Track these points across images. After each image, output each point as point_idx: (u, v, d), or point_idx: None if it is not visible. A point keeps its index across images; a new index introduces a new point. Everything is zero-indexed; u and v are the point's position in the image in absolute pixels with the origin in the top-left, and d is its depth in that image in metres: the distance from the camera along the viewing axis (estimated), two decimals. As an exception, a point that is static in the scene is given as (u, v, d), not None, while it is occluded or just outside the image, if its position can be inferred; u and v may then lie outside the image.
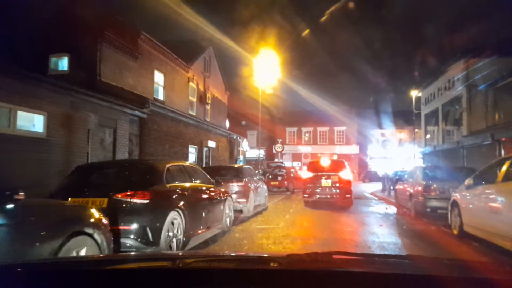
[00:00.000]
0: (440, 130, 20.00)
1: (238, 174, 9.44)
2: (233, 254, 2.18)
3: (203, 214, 5.49)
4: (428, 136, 23.02)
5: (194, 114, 19.70)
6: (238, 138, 23.16)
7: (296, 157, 43.96)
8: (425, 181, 8.09)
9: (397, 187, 11.10)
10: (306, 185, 12.70)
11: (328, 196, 12.24)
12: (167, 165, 4.99)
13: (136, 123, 11.31)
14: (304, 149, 43.87)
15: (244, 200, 9.04)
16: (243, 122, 40.81)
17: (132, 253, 3.41)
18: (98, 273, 1.34)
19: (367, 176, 38.89)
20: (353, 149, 42.53)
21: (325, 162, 13.24)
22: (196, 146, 16.37)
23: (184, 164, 5.68)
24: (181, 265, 1.44)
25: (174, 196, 4.75)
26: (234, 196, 8.86)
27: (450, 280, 1.20)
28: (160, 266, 1.46)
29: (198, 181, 5.78)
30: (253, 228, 7.35)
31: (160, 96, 16.24)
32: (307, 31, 27.43)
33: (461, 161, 16.49)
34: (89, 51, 11.78)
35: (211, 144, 17.91)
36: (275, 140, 39.19)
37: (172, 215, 4.56)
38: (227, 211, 6.77)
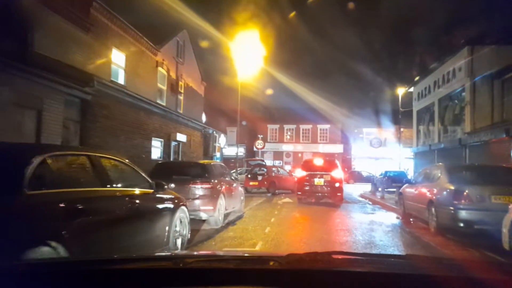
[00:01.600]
0: (436, 127, 18.27)
1: (203, 173, 7.14)
2: (233, 254, 2.00)
3: (120, 238, 3.18)
4: (421, 134, 21.31)
5: (164, 104, 17.26)
6: (214, 132, 20.83)
7: (277, 155, 41.90)
8: (454, 184, 6.01)
9: (403, 190, 9.04)
10: (300, 183, 13.45)
11: (320, 194, 12.93)
12: (38, 157, 2.57)
13: (77, 106, 8.87)
14: (286, 147, 41.86)
15: (211, 208, 6.77)
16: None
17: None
18: (98, 274, 1.32)
19: (352, 176, 37.20)
20: (337, 148, 40.81)
21: (318, 161, 13.96)
22: (161, 140, 13.96)
23: (92, 154, 3.21)
24: (182, 265, 1.42)
25: (52, 214, 2.44)
26: (196, 202, 6.60)
27: (449, 280, 1.20)
28: (160, 266, 1.46)
29: (120, 184, 3.47)
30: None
31: (120, 80, 13.70)
32: (292, 14, 25.34)
33: (463, 161, 14.74)
34: (20, 14, 9.23)
35: (181, 137, 15.52)
36: (256, 138, 37.01)
37: (44, 249, 2.26)
38: (176, 228, 4.48)
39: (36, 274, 1.32)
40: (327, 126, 41.31)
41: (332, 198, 12.65)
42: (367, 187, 26.16)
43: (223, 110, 39.12)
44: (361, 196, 18.03)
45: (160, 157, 13.65)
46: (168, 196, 4.48)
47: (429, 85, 19.33)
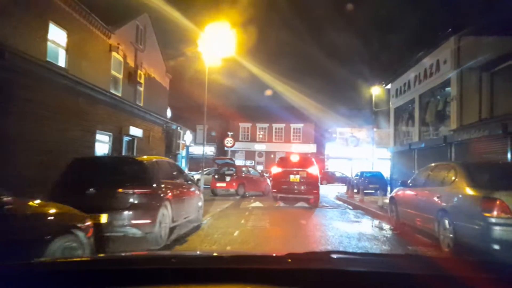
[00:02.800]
0: (417, 125, 17.12)
1: (139, 174, 5.22)
2: (232, 254, 1.92)
3: None
4: (399, 133, 20.19)
5: (119, 94, 15.10)
6: (179, 129, 18.79)
7: (249, 155, 40.18)
8: (480, 189, 4.42)
9: (396, 195, 7.49)
10: (275, 180, 13.14)
11: (296, 191, 12.53)
12: None
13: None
14: (258, 146, 40.20)
15: (147, 221, 4.89)
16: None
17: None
18: (95, 273, 1.31)
19: (325, 177, 36.00)
20: (310, 148, 39.60)
21: (294, 158, 13.57)
22: (110, 133, 11.84)
23: None
24: (181, 264, 1.42)
25: None
26: (126, 214, 4.70)
27: (448, 279, 1.20)
28: (160, 266, 1.40)
29: None
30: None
31: (61, 62, 11.45)
32: (267, 9, 23.69)
33: (447, 159, 13.57)
34: None
35: (136, 132, 13.44)
36: (227, 137, 35.10)
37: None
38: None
39: (33, 275, 1.30)
40: (300, 125, 40.04)
41: (308, 195, 12.37)
42: (341, 189, 24.92)
43: (193, 106, 36.96)
44: (338, 199, 16.59)
45: (107, 154, 11.55)
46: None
47: (409, 80, 18.20)
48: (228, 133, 23.78)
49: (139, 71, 17.04)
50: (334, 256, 1.50)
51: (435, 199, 5.31)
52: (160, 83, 20.66)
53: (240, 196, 15.97)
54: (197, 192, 7.61)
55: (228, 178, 16.55)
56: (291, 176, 12.51)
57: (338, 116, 39.36)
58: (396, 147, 20.13)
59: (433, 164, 6.55)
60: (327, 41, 64.04)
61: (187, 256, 1.71)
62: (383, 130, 39.54)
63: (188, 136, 20.81)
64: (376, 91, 32.49)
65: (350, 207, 12.77)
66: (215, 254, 2.08)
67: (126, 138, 13.09)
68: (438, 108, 15.45)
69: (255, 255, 1.85)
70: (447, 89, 14.84)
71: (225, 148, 39.23)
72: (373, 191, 20.28)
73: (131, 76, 16.57)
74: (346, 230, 7.37)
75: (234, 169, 16.99)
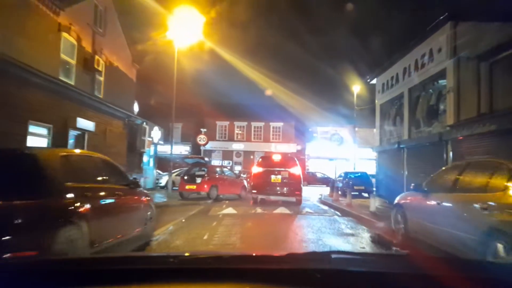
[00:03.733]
0: (406, 122, 15.74)
1: (25, 176, 3.29)
2: (232, 254, 1.86)
3: None
4: (385, 131, 18.81)
5: (72, 83, 12.99)
6: (144, 124, 16.74)
7: (227, 155, 38.30)
8: None
9: (404, 202, 5.86)
10: (255, 180, 12.44)
11: (278, 192, 12.04)
12: None
13: None
14: (236, 146, 38.35)
15: (34, 253, 2.99)
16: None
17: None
18: (95, 273, 1.30)
19: (305, 178, 34.52)
20: (291, 147, 38.10)
21: (276, 157, 13.05)
22: (49, 125, 9.76)
23: None
24: (181, 264, 1.41)
25: None
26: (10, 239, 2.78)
27: (448, 279, 1.18)
28: (160, 266, 1.41)
29: None
30: None
31: (-12, 37, 9.34)
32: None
33: (442, 159, 12.21)
34: None
35: (85, 124, 11.38)
36: (200, 133, 33.01)
37: None
38: None
39: (27, 273, 1.29)
40: (280, 124, 38.49)
41: (290, 197, 11.86)
42: (324, 190, 23.45)
43: (166, 103, 34.73)
44: (322, 202, 15.01)
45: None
46: None
47: (397, 73, 16.83)
48: (201, 129, 21.79)
49: (97, 57, 14.92)
50: (334, 256, 1.49)
51: (477, 211, 3.69)
52: (125, 73, 18.54)
53: (212, 200, 14.13)
54: (143, 198, 5.75)
55: (198, 180, 14.67)
56: (273, 177, 11.98)
57: (319, 115, 38.06)
58: (382, 146, 18.75)
59: (463, 162, 4.96)
60: (308, 34, 62.46)
61: (186, 256, 1.61)
62: (366, 129, 38.56)
63: (156, 133, 18.77)
64: (357, 89, 31.27)
65: (338, 213, 11.14)
66: (214, 254, 1.93)
67: (74, 132, 11.02)
68: (430, 102, 14.08)
69: (255, 255, 1.76)
70: (440, 81, 13.50)
71: (201, 147, 37.21)
72: (357, 193, 18.84)
73: (87, 62, 14.45)
74: (340, 247, 5.65)
75: (205, 169, 15.12)
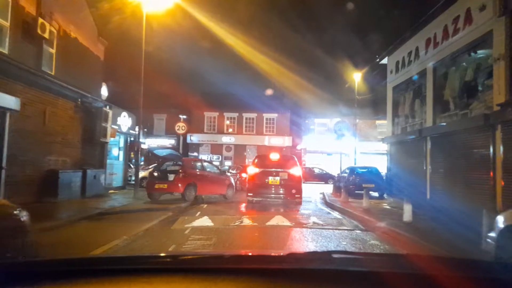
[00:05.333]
0: (430, 105, 12.77)
1: None
2: (232, 253, 1.83)
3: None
4: (401, 118, 15.79)
5: (5, 51, 9.81)
6: (107, 108, 13.54)
7: (216, 149, 35.16)
8: None
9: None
10: (251, 182, 11.50)
11: (275, 195, 11.24)
12: None
13: None
14: (226, 139, 35.20)
15: None
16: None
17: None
18: (94, 273, 1.28)
19: (302, 174, 31.58)
20: (285, 141, 35.08)
21: (274, 156, 12.09)
22: None
23: None
24: (181, 264, 1.40)
25: None
26: None
27: (448, 279, 1.18)
28: (159, 266, 1.40)
29: None
30: None
31: None
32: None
33: (487, 148, 9.34)
34: None
35: (4, 100, 8.15)
36: (190, 128, 29.85)
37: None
38: None
39: (24, 273, 1.29)
40: (274, 115, 35.41)
41: (289, 200, 11.13)
42: (323, 188, 20.51)
43: (153, 93, 31.40)
44: (328, 205, 12.04)
45: None
46: None
47: (417, 47, 13.86)
48: (180, 116, 18.63)
49: (41, 21, 11.66)
50: (335, 256, 1.51)
51: None
52: (88, 48, 15.27)
53: (187, 203, 11.05)
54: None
55: (171, 177, 11.58)
56: (270, 178, 11.13)
57: (316, 106, 35.02)
58: (396, 136, 15.79)
59: None
60: (306, 12, 58.18)
61: (186, 256, 1.61)
62: (366, 121, 35.68)
63: (125, 120, 15.58)
64: (358, 77, 28.31)
65: (360, 226, 7.80)
66: (215, 254, 1.97)
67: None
68: (466, 78, 11.09)
69: (255, 255, 1.74)
70: (480, 51, 10.53)
71: (188, 141, 34.05)
72: (362, 191, 15.81)
73: (29, 27, 11.22)
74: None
75: (180, 164, 12.01)
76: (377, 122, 36.12)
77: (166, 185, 11.26)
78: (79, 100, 11.82)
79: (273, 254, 1.64)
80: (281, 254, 1.49)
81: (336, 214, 9.72)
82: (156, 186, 11.27)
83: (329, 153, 35.32)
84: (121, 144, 16.44)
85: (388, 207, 11.44)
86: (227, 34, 23.83)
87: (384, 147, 33.51)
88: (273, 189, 11.22)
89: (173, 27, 21.09)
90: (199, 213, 8.93)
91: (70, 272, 1.27)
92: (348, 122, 30.56)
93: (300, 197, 11.55)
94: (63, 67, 12.80)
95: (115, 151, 16.63)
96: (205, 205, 10.95)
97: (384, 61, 17.39)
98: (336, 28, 52.33)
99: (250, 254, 1.69)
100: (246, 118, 35.40)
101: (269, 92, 33.28)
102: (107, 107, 13.73)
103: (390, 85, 16.69)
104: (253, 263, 1.39)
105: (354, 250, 5.29)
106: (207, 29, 23.69)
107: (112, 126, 14.20)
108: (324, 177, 28.43)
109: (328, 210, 10.83)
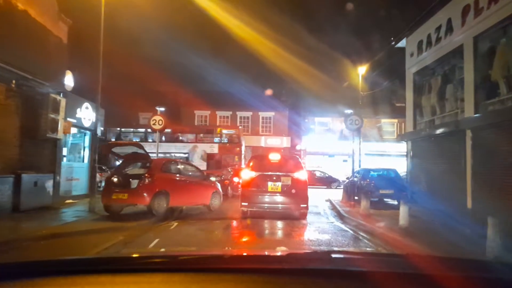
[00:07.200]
0: (471, 90, 9.99)
1: None
2: (232, 253, 1.93)
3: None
4: (426, 108, 12.96)
5: None
6: (60, 95, 10.65)
7: (207, 150, 32.19)
8: None
9: None
10: (245, 189, 9.48)
11: (276, 205, 9.22)
12: None
13: None
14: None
15: None
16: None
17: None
18: (93, 272, 1.27)
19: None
20: (283, 141, 32.26)
21: (274, 157, 10.03)
22: None
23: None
24: (181, 264, 1.39)
25: None
26: None
27: (448, 279, 1.17)
28: (159, 266, 1.38)
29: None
30: None
31: None
32: None
33: None
34: None
35: None
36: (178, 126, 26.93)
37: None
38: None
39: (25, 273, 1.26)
40: (271, 113, 32.59)
41: (292, 211, 9.10)
42: (328, 193, 17.72)
43: (140, 91, 28.54)
44: (342, 217, 9.21)
45: None
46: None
47: (449, 19, 11.12)
48: (157, 108, 15.81)
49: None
50: (335, 256, 1.51)
51: None
52: (44, 26, 12.36)
53: (156, 218, 8.16)
54: None
55: (134, 183, 8.69)
56: (270, 184, 9.20)
57: (316, 103, 32.22)
58: (419, 131, 12.99)
59: None
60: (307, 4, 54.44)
61: (186, 256, 1.58)
62: (371, 120, 32.93)
63: (87, 113, 12.68)
64: (362, 71, 25.55)
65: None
66: (215, 254, 1.91)
67: None
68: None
69: (255, 255, 1.76)
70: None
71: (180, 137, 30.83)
72: (376, 199, 12.94)
73: None
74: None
75: (148, 165, 9.11)
76: (382, 121, 33.48)
77: (126, 195, 8.34)
78: (14, 81, 8.92)
79: (273, 254, 1.69)
80: (281, 254, 1.56)
81: (362, 237, 6.75)
82: (114, 196, 8.36)
83: (331, 154, 32.52)
84: (86, 143, 13.52)
85: (440, 228, 8.27)
86: (220, 22, 20.99)
87: (390, 147, 30.78)
88: (273, 197, 9.16)
89: (160, 18, 18.27)
90: (156, 240, 5.97)
91: (70, 272, 1.26)
92: (341, 126, 27.67)
93: (307, 208, 9.33)
94: (8, 44, 9.90)
95: (76, 151, 13.71)
96: (176, 223, 8.03)
97: (402, 43, 14.63)
98: (342, 16, 49.12)
99: (250, 254, 1.71)
100: (241, 117, 32.56)
101: (268, 92, 30.50)
102: (61, 94, 10.85)
103: (410, 71, 13.90)
104: (253, 263, 1.41)
105: None
106: (195, 16, 20.90)
107: (69, 119, 11.31)
108: (327, 181, 25.60)
109: (347, 228, 7.91)
